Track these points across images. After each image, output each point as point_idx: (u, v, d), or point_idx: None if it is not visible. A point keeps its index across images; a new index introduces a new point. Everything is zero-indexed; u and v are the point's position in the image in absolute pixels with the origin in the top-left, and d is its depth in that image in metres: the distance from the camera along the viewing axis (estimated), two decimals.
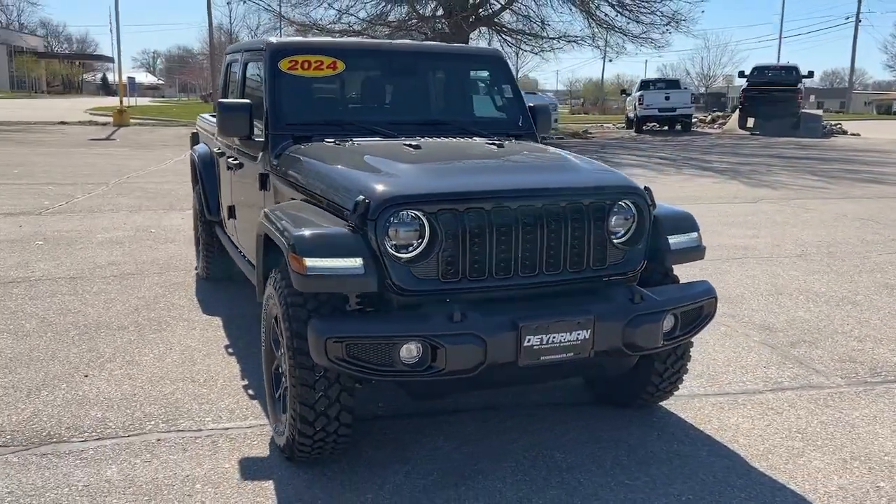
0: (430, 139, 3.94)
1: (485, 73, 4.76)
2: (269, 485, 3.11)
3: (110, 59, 68.16)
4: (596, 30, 27.27)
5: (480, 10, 26.94)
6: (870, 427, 3.75)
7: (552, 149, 4.08)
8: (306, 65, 4.20)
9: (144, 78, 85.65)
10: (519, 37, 28.35)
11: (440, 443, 3.50)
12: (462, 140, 4.03)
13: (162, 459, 3.32)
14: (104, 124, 27.38)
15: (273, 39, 4.36)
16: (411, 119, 4.32)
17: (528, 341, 2.93)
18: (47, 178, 12.77)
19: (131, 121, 28.04)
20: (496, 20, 27.85)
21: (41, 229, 8.49)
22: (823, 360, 4.68)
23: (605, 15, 26.55)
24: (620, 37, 27.28)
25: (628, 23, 26.36)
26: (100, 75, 74.81)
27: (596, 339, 3.05)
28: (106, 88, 72.30)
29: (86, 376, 4.24)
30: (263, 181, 4.07)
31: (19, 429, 3.58)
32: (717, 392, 4.16)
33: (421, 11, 27.36)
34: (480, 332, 2.86)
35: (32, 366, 4.39)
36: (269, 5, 26.71)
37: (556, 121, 23.00)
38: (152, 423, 3.68)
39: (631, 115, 29.44)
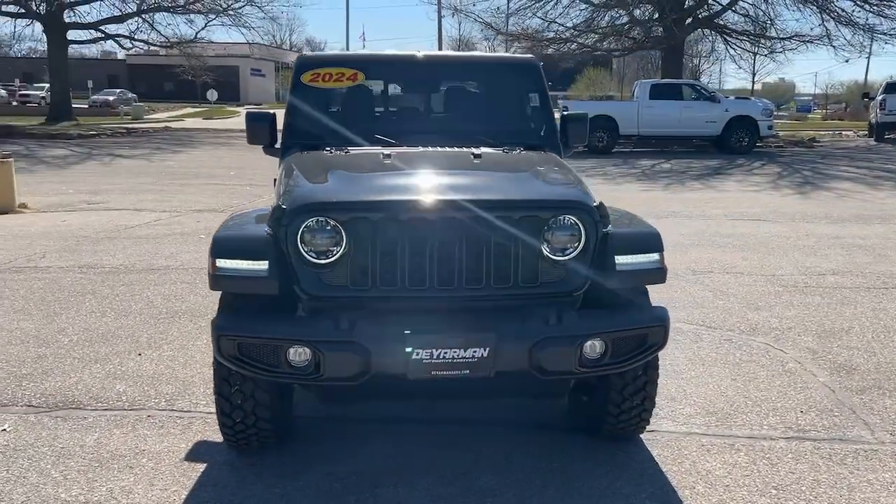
0: (416, 149, 3.96)
1: (516, 82, 4.66)
2: (201, 466, 3.38)
3: None
4: (833, 27, 24.75)
5: (698, 11, 25.60)
6: (875, 495, 3.17)
7: (539, 162, 3.92)
8: (328, 77, 4.41)
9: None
10: (743, 38, 26.52)
11: (376, 448, 3.55)
12: (445, 150, 4.00)
13: (137, 433, 3.71)
14: None
15: (305, 54, 4.63)
16: (424, 129, 4.36)
17: (417, 354, 2.90)
18: (250, 180, 14.26)
19: None
20: (718, 21, 26.29)
21: (213, 224, 9.56)
22: (887, 411, 4.00)
23: (843, 10, 24.00)
24: (863, 34, 24.51)
25: (870, 17, 23.60)
26: None
27: (497, 359, 2.93)
28: None
29: (139, 355, 4.81)
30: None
31: (56, 393, 4.17)
32: (716, 433, 3.75)
33: (636, 15, 26.60)
34: (364, 342, 2.88)
35: (107, 342, 5.05)
36: (478, 17, 27.54)
37: (770, 128, 21.19)
38: (156, 400, 4.10)
39: (872, 121, 26.28)
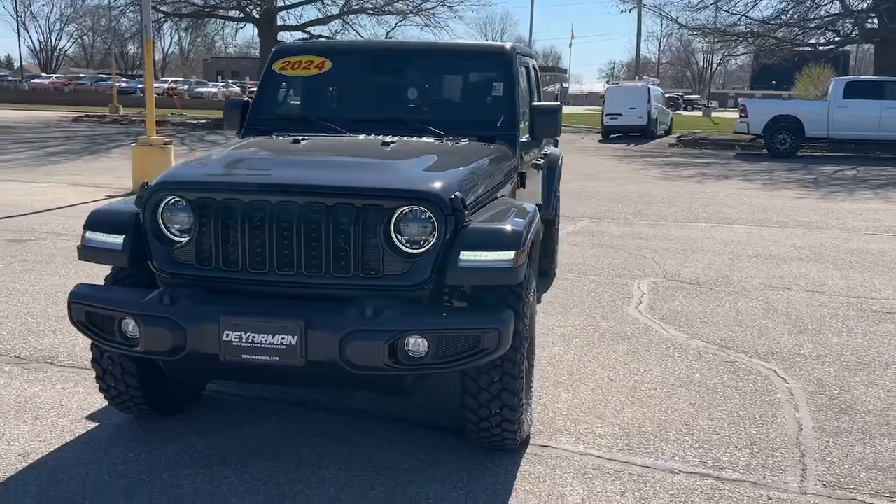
0: (335, 137, 3.97)
1: (483, 72, 4.48)
2: (92, 424, 3.62)
3: (563, 71, 73.50)
4: None
5: None
6: None
7: (455, 153, 3.75)
8: (297, 65, 4.52)
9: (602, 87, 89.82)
10: None
11: (247, 429, 3.59)
12: (362, 139, 3.95)
13: (62, 388, 4.05)
14: None
15: (283, 43, 4.76)
16: (377, 117, 4.33)
17: (227, 336, 2.91)
18: None
19: None
20: None
21: None
22: (845, 458, 3.37)
23: None
24: None
25: None
26: (557, 86, 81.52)
27: (308, 348, 2.87)
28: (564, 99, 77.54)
29: None
30: None
31: (47, 349, 4.65)
32: (613, 458, 3.37)
33: (852, 5, 23.99)
34: (179, 319, 2.95)
35: None
36: (661, 10, 26.28)
37: None
38: None
39: None
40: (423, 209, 2.99)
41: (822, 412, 3.88)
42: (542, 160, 5.68)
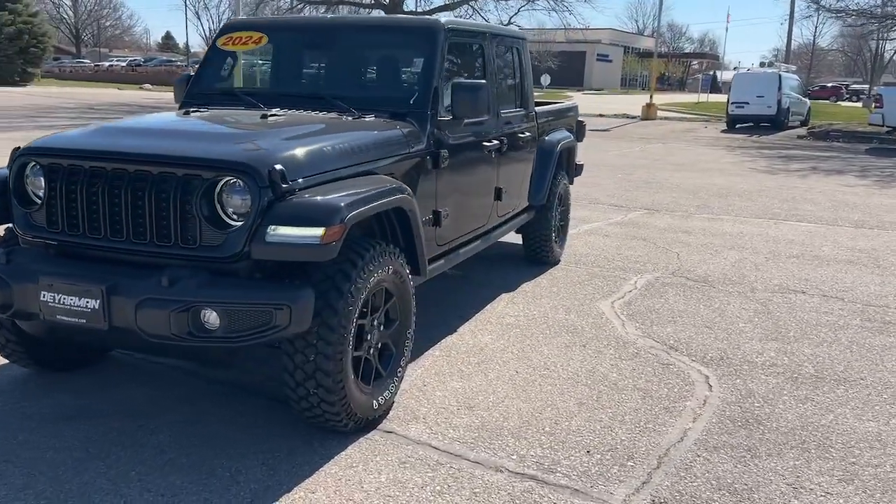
0: (226, 110, 4.02)
1: (408, 47, 4.35)
2: None
3: (715, 57, 69.87)
4: None
5: None
6: None
7: (336, 128, 3.68)
8: (238, 40, 4.60)
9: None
10: None
11: (120, 390, 3.71)
12: (247, 112, 3.97)
13: None
14: (633, 117, 28.95)
15: (232, 19, 4.84)
16: (299, 92, 4.35)
17: (44, 296, 3.03)
18: None
19: (658, 115, 28.96)
20: None
21: None
22: (701, 477, 3.03)
23: None
24: None
25: None
26: (712, 73, 77.29)
27: (112, 314, 2.94)
28: (714, 86, 73.83)
29: None
30: None
31: None
32: (447, 450, 3.21)
33: None
34: (8, 277, 3.10)
35: None
36: None
37: None
38: None
39: None
40: (240, 180, 2.97)
41: (722, 425, 3.50)
42: (524, 142, 5.46)
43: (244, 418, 3.46)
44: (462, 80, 4.21)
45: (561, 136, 6.42)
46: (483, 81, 4.16)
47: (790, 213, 9.39)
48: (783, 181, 12.56)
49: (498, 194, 5.09)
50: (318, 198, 3.02)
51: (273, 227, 2.91)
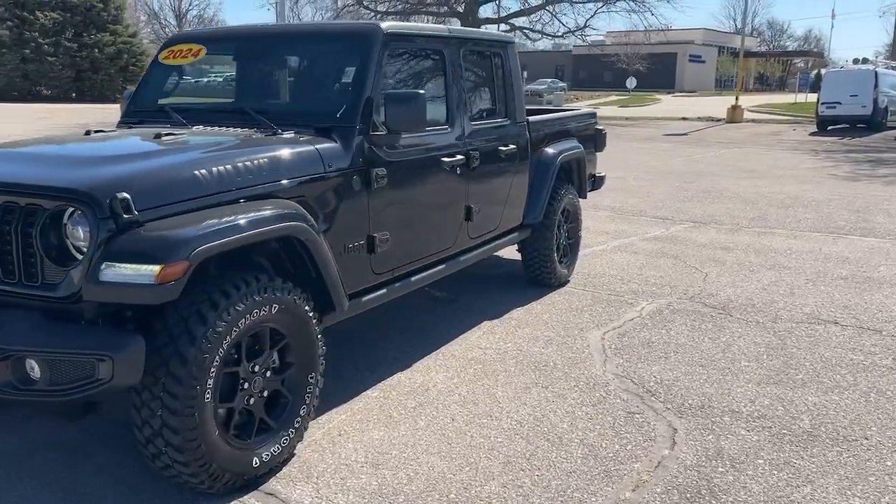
0: (146, 130, 3.72)
1: (340, 56, 3.96)
2: None
3: (820, 55, 66.18)
4: None
5: None
6: None
7: (213, 141, 3.35)
8: (178, 53, 4.33)
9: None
10: None
11: None
12: (149, 130, 3.66)
13: None
14: (718, 120, 27.56)
15: (175, 34, 4.58)
16: (225, 106, 4.06)
17: None
18: None
19: (746, 117, 27.45)
20: None
21: None
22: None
23: None
24: None
25: None
26: (812, 72, 72.67)
27: None
28: (816, 85, 69.82)
29: None
30: None
31: None
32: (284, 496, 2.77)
33: None
34: None
35: None
36: None
37: None
38: None
39: None
40: (80, 210, 2.65)
41: (666, 497, 2.92)
42: (508, 155, 4.97)
43: (123, 469, 3.13)
44: (394, 90, 3.77)
45: (565, 146, 5.87)
46: (419, 91, 3.70)
47: (855, 227, 8.43)
48: (862, 189, 11.43)
49: (468, 214, 4.61)
50: (162, 231, 2.66)
51: (107, 263, 2.57)
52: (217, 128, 3.77)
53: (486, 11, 31.74)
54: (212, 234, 2.69)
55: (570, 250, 6.14)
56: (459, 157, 4.41)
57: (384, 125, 3.74)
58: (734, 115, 26.77)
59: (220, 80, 4.53)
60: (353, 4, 31.76)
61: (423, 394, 3.88)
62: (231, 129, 3.69)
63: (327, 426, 3.50)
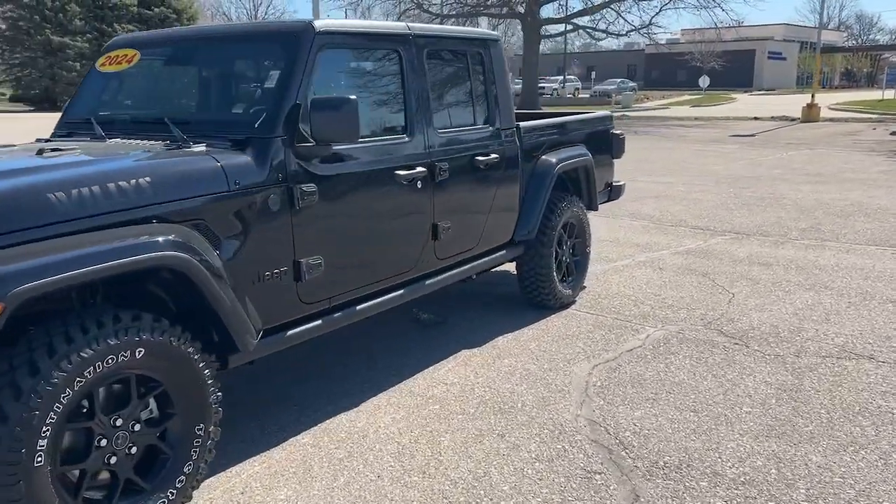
0: (67, 141, 3.41)
1: (265, 58, 3.52)
2: None
3: None
4: None
5: None
6: None
7: (94, 158, 2.97)
8: (114, 60, 4.00)
9: None
10: None
11: None
12: (35, 145, 3.34)
13: None
14: (793, 119, 26.09)
15: (114, 38, 4.25)
16: (148, 116, 3.70)
17: None
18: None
19: (824, 115, 25.89)
20: None
21: None
22: None
23: None
24: None
25: None
26: None
27: None
28: None
29: None
30: None
31: None
32: None
33: None
34: None
35: None
36: None
37: None
38: None
39: None
40: None
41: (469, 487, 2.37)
42: (489, 165, 4.46)
43: None
44: (320, 96, 3.31)
45: (567, 154, 5.31)
46: (349, 97, 3.24)
47: None
48: None
49: (434, 232, 4.12)
50: None
51: None
52: (132, 140, 3.40)
53: (547, 11, 31.04)
54: (41, 269, 2.29)
55: (576, 269, 5.56)
56: (420, 169, 3.93)
57: (312, 134, 3.29)
58: (810, 113, 25.27)
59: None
60: (413, 8, 31.54)
61: (359, 441, 3.41)
62: (142, 143, 3.32)
63: (233, 482, 3.07)
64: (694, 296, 5.66)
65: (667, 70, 60.91)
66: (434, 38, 4.20)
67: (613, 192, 6.27)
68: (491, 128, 4.61)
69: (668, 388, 3.96)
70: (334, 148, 3.39)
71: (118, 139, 3.48)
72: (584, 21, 30.62)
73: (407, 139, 3.91)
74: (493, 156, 4.54)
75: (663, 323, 5.03)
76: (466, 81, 4.50)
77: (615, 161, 6.29)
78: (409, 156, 3.91)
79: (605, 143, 6.07)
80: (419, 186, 3.95)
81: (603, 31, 30.15)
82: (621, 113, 32.92)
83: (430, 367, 4.27)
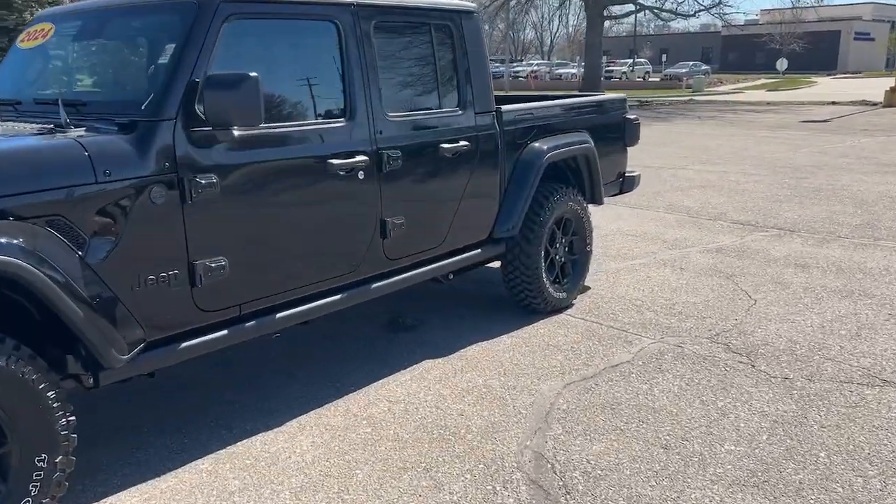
0: None
1: (164, 33, 3.09)
2: None
3: None
4: None
5: None
6: None
7: None
8: (32, 35, 3.66)
9: None
10: None
11: None
12: None
13: None
14: (874, 104, 24.40)
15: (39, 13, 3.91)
16: (48, 95, 3.32)
17: None
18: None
19: None
20: None
21: None
22: None
23: None
24: None
25: None
26: None
27: None
28: None
29: None
30: None
31: None
32: None
33: None
34: None
35: None
36: None
37: None
38: None
39: None
40: None
41: None
42: (457, 154, 3.96)
43: None
44: (217, 73, 2.86)
45: (562, 141, 4.73)
46: (250, 74, 2.78)
47: None
48: None
49: (383, 230, 3.64)
50: None
51: None
52: (19, 124, 3.04)
53: None
54: None
55: (573, 269, 4.99)
56: (361, 158, 3.45)
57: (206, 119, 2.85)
58: (893, 98, 23.56)
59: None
60: None
61: (263, 470, 2.98)
62: (21, 126, 2.96)
63: None
64: (709, 302, 5.02)
65: (744, 53, 58.34)
66: (384, 8, 3.69)
67: (626, 183, 5.64)
68: (461, 112, 4.09)
69: (643, 415, 3.39)
70: (242, 133, 2.95)
71: (11, 122, 3.12)
72: (650, 1, 29.32)
73: (345, 123, 3.43)
74: (464, 143, 4.02)
75: (664, 334, 4.42)
76: (430, 59, 3.98)
77: (629, 149, 5.66)
78: (348, 142, 3.43)
79: (616, 130, 5.45)
80: (361, 177, 3.47)
81: (670, 12, 28.84)
82: (688, 97, 31.54)
83: (380, 381, 3.80)
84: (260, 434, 3.26)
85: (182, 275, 2.86)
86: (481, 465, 2.98)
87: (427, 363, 4.03)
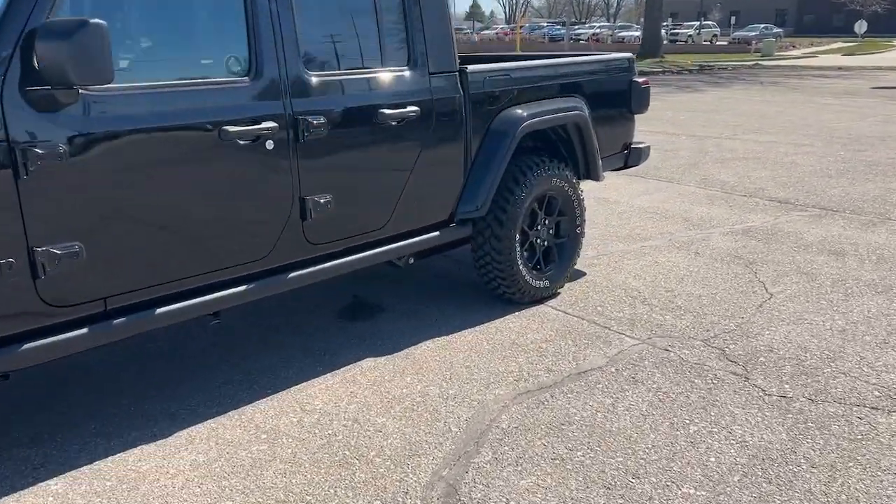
0: None
1: None
2: None
3: None
4: None
5: None
6: None
7: None
8: None
9: None
10: None
11: None
12: None
13: None
14: None
15: None
16: None
17: None
18: (668, 128, 11.87)
19: None
20: None
21: None
22: None
23: None
24: None
25: None
26: None
27: None
28: None
29: None
30: None
31: None
32: None
33: None
34: None
35: None
36: None
37: None
38: None
39: None
40: None
41: None
42: (404, 121, 3.40)
43: None
44: (53, 20, 2.35)
45: (545, 107, 4.09)
46: (92, 20, 2.27)
47: None
48: None
49: (302, 210, 3.10)
50: None
51: None
52: None
53: None
54: None
55: (560, 254, 4.37)
56: (270, 124, 2.91)
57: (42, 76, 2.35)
58: None
59: None
60: None
61: (120, 496, 2.52)
62: None
63: None
64: (717, 295, 4.35)
65: (821, 15, 55.20)
66: None
67: (632, 155, 4.96)
68: (410, 70, 3.50)
69: (594, 441, 2.80)
70: (94, 92, 2.45)
71: None
72: None
73: (247, 82, 2.89)
74: (412, 108, 3.44)
75: (652, 333, 3.80)
76: (370, 7, 3.39)
77: (636, 116, 4.96)
78: (251, 106, 2.89)
79: (620, 95, 4.77)
80: (270, 148, 2.94)
81: None
82: (754, 62, 29.87)
83: (303, 384, 3.30)
84: (139, 447, 2.81)
85: (20, 264, 2.39)
86: (377, 503, 2.46)
87: (368, 362, 3.51)
